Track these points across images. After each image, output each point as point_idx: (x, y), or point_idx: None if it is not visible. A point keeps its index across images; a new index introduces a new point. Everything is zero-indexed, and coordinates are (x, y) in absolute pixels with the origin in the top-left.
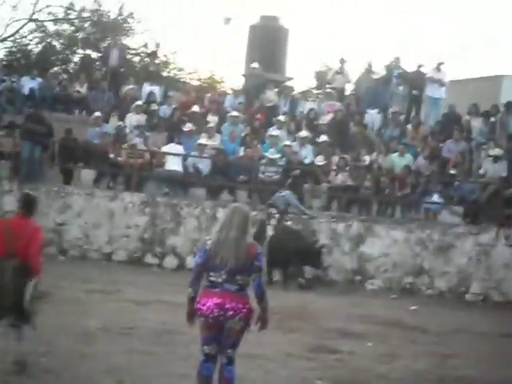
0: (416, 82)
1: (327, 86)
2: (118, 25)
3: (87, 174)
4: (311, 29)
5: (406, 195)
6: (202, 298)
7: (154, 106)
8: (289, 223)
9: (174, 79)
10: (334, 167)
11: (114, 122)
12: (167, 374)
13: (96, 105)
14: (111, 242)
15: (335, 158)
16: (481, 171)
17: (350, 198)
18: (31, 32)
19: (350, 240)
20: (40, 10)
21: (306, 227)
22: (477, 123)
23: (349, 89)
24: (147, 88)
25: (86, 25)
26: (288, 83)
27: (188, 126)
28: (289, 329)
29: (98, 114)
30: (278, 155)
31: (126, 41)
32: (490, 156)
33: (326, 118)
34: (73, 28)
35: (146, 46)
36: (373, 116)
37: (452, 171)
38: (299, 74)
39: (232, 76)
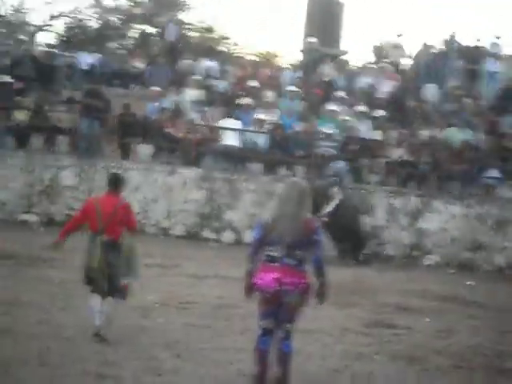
0: (474, 56)
1: (384, 60)
2: (175, 0)
3: (145, 149)
4: (368, 2)
5: (465, 170)
6: (260, 272)
7: (211, 81)
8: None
9: (231, 54)
10: (392, 142)
11: (171, 97)
12: (224, 348)
13: (154, 80)
14: (169, 216)
15: (393, 133)
16: None
17: (407, 172)
18: (90, 7)
19: (408, 215)
20: None
21: (363, 202)
22: None
23: (406, 63)
24: (204, 63)
25: (144, 0)
26: (344, 57)
27: (245, 101)
28: (345, 304)
29: (156, 88)
30: (336, 130)
31: (183, 16)
32: None
33: (383, 92)
34: (130, 3)
35: (202, 21)
36: (431, 90)
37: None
38: (356, 48)
39: (289, 50)
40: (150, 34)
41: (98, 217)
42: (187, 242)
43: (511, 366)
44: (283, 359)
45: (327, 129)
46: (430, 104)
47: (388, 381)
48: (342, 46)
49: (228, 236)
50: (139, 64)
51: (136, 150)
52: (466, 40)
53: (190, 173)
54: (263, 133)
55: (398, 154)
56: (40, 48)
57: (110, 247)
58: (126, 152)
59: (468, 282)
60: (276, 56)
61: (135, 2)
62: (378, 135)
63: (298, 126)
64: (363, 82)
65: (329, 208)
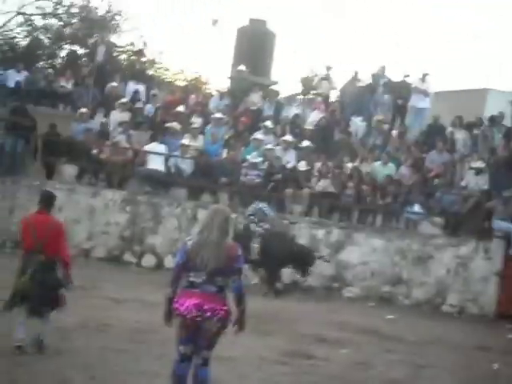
0: (401, 91)
1: (312, 92)
2: (106, 22)
3: (69, 170)
4: (298, 34)
5: (387, 204)
6: (180, 297)
7: (139, 105)
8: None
9: (160, 78)
10: (317, 173)
11: (98, 118)
12: (140, 372)
13: (81, 101)
14: (91, 238)
15: (318, 164)
16: (463, 183)
17: (331, 204)
18: (19, 25)
19: (330, 247)
20: (28, 4)
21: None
22: (460, 135)
23: (334, 96)
24: (132, 86)
25: (74, 20)
26: (273, 87)
27: (172, 126)
28: (264, 332)
29: (84, 109)
30: (261, 159)
31: (113, 38)
32: (472, 168)
33: (310, 123)
34: (61, 23)
35: (132, 44)
36: (357, 124)
37: (434, 182)
38: (285, 78)
39: (218, 78)
40: (80, 55)
41: (33, 235)
42: (108, 264)
43: None
44: None
45: (252, 157)
46: (355, 137)
47: None
48: (273, 77)
49: (149, 260)
50: (67, 84)
51: (60, 170)
52: (395, 75)
53: (113, 195)
54: (188, 158)
55: (322, 185)
56: None
57: (45, 266)
58: (50, 171)
59: (389, 316)
60: (205, 82)
61: (65, 22)
62: (303, 166)
63: (224, 154)
64: (291, 112)
65: (255, 245)
